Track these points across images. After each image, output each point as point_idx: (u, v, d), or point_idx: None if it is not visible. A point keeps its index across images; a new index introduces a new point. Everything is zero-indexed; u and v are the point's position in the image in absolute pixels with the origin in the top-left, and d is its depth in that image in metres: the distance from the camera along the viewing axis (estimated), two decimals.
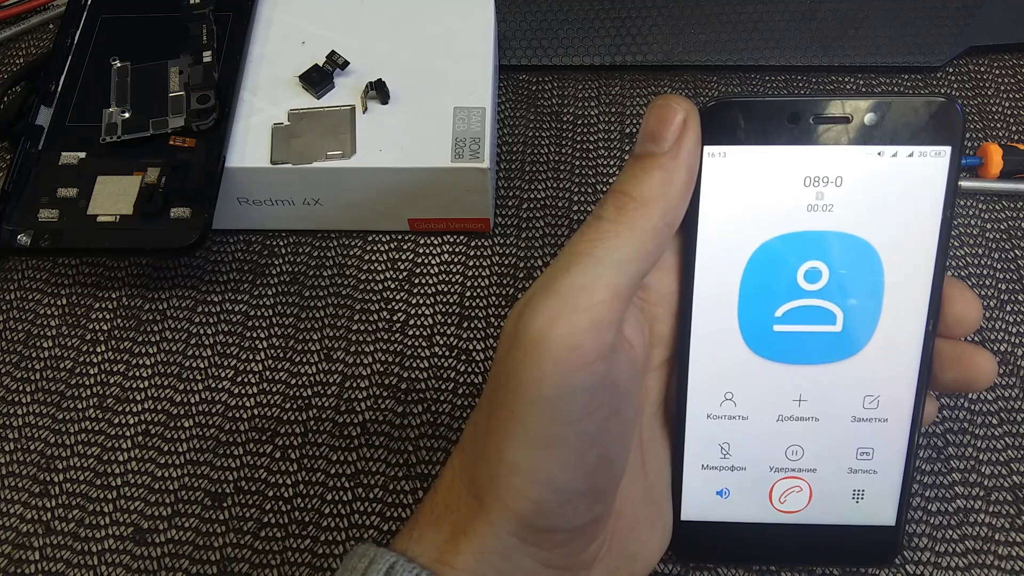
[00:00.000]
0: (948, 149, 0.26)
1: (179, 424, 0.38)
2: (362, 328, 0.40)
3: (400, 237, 0.43)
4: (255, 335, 0.40)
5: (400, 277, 0.41)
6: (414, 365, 0.39)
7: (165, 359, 0.39)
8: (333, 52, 0.41)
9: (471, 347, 0.40)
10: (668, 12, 0.47)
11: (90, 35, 0.43)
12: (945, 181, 0.26)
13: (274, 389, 0.39)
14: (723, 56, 0.46)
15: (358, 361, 0.39)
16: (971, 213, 0.42)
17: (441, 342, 0.40)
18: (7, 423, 0.38)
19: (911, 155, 0.26)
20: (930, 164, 0.26)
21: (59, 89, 0.42)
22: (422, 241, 0.42)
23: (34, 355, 0.40)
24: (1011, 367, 0.38)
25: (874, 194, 0.26)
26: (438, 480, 0.27)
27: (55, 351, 0.40)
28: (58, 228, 0.38)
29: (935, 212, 0.26)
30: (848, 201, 0.26)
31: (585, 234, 0.24)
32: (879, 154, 0.26)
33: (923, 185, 0.26)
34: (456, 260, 0.42)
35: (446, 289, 0.41)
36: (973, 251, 0.41)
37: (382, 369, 0.39)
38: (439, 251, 0.42)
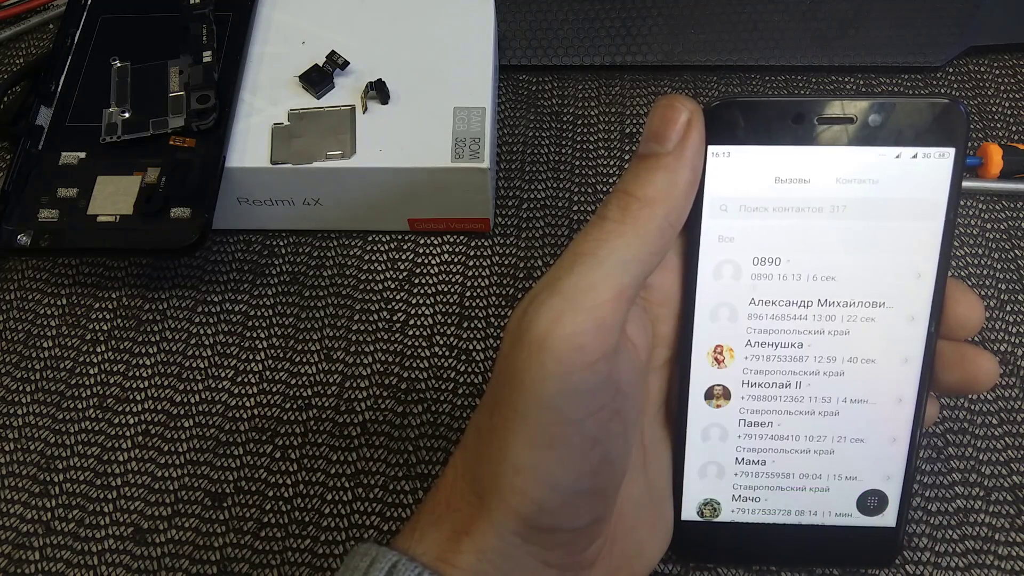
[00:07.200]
0: (952, 151, 0.26)
1: (179, 424, 0.38)
2: (362, 328, 0.40)
3: (400, 237, 0.43)
4: (255, 335, 0.40)
5: (400, 277, 0.41)
6: (414, 365, 0.39)
7: (165, 359, 0.39)
8: (333, 52, 0.41)
9: (471, 347, 0.40)
10: (668, 12, 0.47)
11: (90, 35, 0.43)
12: (949, 183, 0.26)
13: (274, 389, 0.39)
14: (723, 56, 0.46)
15: (358, 361, 0.39)
16: (971, 213, 0.42)
17: (441, 342, 0.40)
18: (7, 423, 0.38)
19: (915, 156, 0.26)
20: (934, 165, 0.26)
21: (59, 89, 0.42)
22: (422, 241, 0.42)
23: (34, 355, 0.40)
24: (1011, 367, 0.38)
25: (877, 195, 0.26)
26: (440, 479, 0.27)
27: (55, 351, 0.40)
28: (58, 228, 0.38)
29: (938, 214, 0.26)
30: (851, 201, 0.26)
31: (589, 234, 0.24)
32: (882, 155, 0.26)
33: (927, 186, 0.26)
34: (456, 260, 0.42)
35: (446, 289, 0.41)
36: (973, 251, 0.41)
37: (382, 369, 0.39)
38: (439, 251, 0.42)
